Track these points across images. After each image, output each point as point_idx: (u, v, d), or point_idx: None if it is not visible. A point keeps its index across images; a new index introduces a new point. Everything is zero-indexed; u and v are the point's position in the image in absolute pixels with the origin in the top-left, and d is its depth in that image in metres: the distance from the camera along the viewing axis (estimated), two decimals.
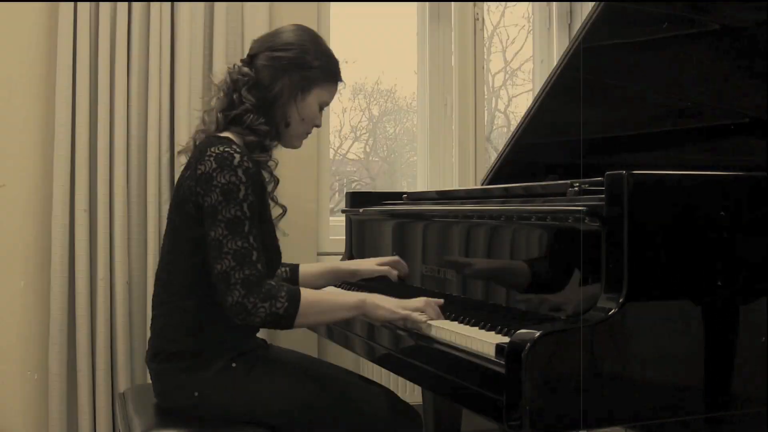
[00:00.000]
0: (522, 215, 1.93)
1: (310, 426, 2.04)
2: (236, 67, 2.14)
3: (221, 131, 2.11)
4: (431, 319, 1.96)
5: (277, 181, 2.16)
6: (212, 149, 1.96)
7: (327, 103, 2.21)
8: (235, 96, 2.10)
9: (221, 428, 2.00)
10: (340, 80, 2.22)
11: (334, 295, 2.15)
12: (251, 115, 2.08)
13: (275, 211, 2.16)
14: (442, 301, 2.04)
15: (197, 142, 2.12)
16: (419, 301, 2.00)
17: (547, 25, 3.91)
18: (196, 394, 2.00)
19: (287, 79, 2.10)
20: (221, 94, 2.14)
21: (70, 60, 2.83)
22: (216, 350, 2.02)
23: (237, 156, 1.94)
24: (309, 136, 2.26)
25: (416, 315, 1.97)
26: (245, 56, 2.18)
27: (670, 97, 2.25)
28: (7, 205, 2.86)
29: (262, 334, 2.26)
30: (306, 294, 1.95)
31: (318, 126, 2.24)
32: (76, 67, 2.84)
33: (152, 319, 2.14)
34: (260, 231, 1.98)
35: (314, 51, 2.14)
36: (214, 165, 1.93)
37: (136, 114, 2.92)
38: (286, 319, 1.91)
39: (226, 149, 1.96)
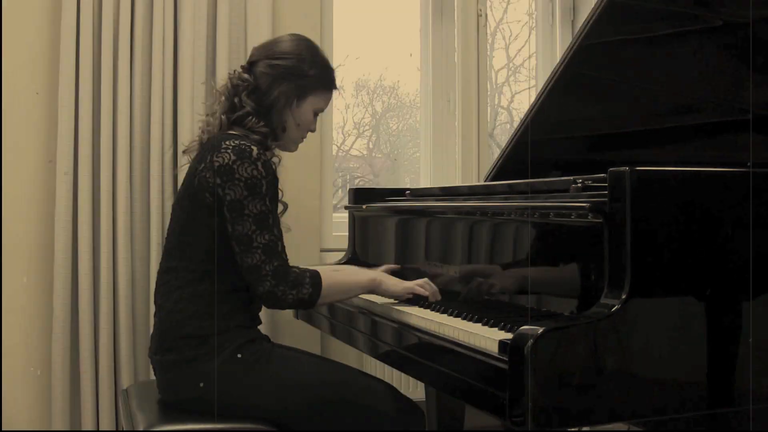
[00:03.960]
0: (525, 211, 1.93)
1: (313, 421, 2.05)
2: (236, 72, 2.24)
3: (225, 131, 2.18)
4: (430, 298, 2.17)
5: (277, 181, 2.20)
6: (227, 142, 2.05)
7: (322, 110, 2.32)
8: (236, 100, 2.20)
9: (224, 423, 2.01)
10: (335, 88, 2.33)
11: (347, 274, 2.31)
12: (252, 118, 2.18)
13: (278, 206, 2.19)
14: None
15: (203, 141, 2.20)
16: (420, 282, 2.20)
17: (550, 22, 3.91)
18: (201, 385, 2.02)
19: (284, 86, 2.20)
20: (222, 98, 2.23)
21: (73, 57, 2.83)
22: (221, 338, 2.04)
23: (254, 149, 2.04)
24: (309, 134, 2.35)
25: (418, 289, 2.17)
26: (246, 62, 2.28)
27: (673, 94, 2.24)
28: (10, 202, 2.86)
29: (264, 331, 2.27)
30: (326, 277, 2.09)
31: (312, 131, 2.33)
32: (79, 63, 2.83)
33: (157, 310, 2.16)
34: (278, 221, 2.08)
35: (310, 60, 2.24)
36: (233, 157, 2.01)
37: (139, 110, 2.92)
38: (310, 302, 2.07)
39: (243, 142, 2.05)
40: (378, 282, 2.20)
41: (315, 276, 2.07)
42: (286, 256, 2.05)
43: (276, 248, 2.02)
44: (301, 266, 2.10)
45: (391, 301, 2.24)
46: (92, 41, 2.85)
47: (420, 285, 2.19)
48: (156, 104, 2.92)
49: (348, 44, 3.63)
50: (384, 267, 2.48)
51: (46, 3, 2.88)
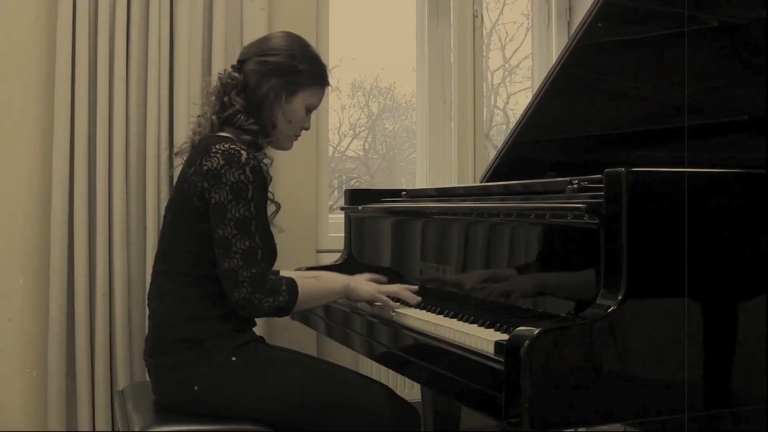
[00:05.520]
0: (521, 212, 1.93)
1: (308, 422, 2.05)
2: (226, 72, 2.24)
3: (216, 132, 2.18)
4: (402, 306, 2.16)
5: (270, 179, 2.20)
6: (217, 146, 2.04)
7: (314, 107, 2.29)
8: (225, 99, 2.20)
9: (220, 424, 2.01)
10: (327, 84, 2.32)
11: (323, 281, 2.27)
12: (241, 116, 2.17)
13: (270, 208, 2.21)
14: (416, 287, 2.21)
15: (195, 144, 2.19)
16: (395, 287, 2.21)
17: (546, 22, 3.91)
18: (196, 388, 2.02)
19: (273, 81, 2.19)
20: (213, 98, 2.23)
21: (69, 57, 2.82)
22: (215, 341, 2.04)
23: (243, 153, 2.02)
24: (303, 135, 2.34)
25: (391, 302, 2.16)
26: (236, 61, 2.27)
27: (669, 95, 2.25)
28: (6, 203, 2.86)
29: (260, 332, 2.27)
30: (302, 285, 2.08)
31: (306, 129, 2.32)
32: (75, 64, 2.83)
33: (151, 313, 2.16)
34: (263, 228, 2.06)
35: (301, 56, 2.23)
36: (221, 161, 2.00)
37: (135, 111, 2.92)
38: (286, 310, 2.06)
39: (232, 146, 2.03)
40: (352, 288, 2.21)
41: (291, 284, 2.06)
42: (265, 264, 2.05)
43: (255, 255, 2.00)
44: (292, 270, 2.10)
45: None
46: (88, 42, 2.85)
47: (391, 294, 2.18)
48: (152, 105, 2.92)
49: (344, 45, 3.63)
50: (367, 276, 2.37)
51: (42, 3, 2.88)
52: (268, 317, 2.10)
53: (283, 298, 2.03)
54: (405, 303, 2.18)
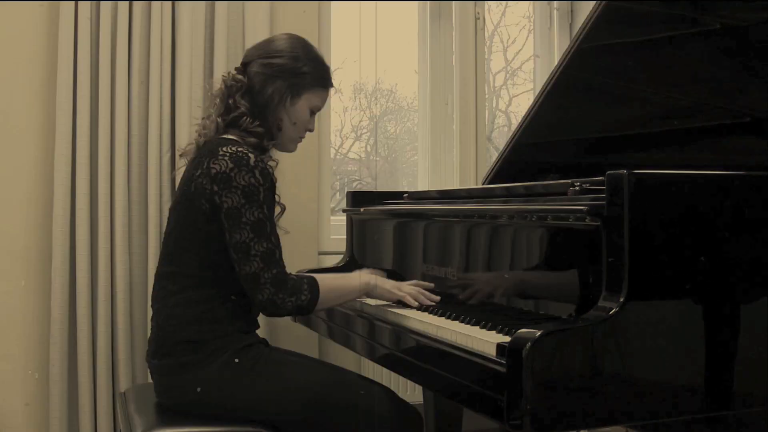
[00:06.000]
0: (523, 215, 1.93)
1: (310, 424, 2.05)
2: (230, 74, 2.24)
3: (221, 134, 2.18)
4: (420, 306, 2.17)
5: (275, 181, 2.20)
6: (224, 149, 2.04)
7: (318, 108, 2.30)
8: (230, 101, 2.20)
9: (222, 426, 2.01)
10: (331, 86, 2.32)
11: (343, 279, 2.31)
12: (246, 119, 2.18)
13: (275, 210, 2.19)
14: (432, 285, 2.23)
15: (200, 145, 2.19)
16: (412, 288, 2.21)
17: (548, 25, 3.91)
18: (198, 390, 2.02)
19: (278, 83, 2.19)
20: (218, 100, 2.23)
21: (71, 59, 2.82)
22: (219, 343, 2.05)
23: (252, 156, 2.03)
24: (306, 138, 2.35)
25: (412, 301, 2.17)
26: (240, 64, 2.27)
27: (671, 97, 2.25)
28: (8, 205, 2.86)
29: (262, 334, 2.26)
30: (322, 283, 2.10)
31: (311, 130, 2.32)
32: (77, 66, 2.84)
33: (154, 314, 2.16)
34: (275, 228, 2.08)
35: (304, 58, 2.23)
36: (230, 165, 2.01)
37: (137, 113, 2.92)
38: (308, 308, 2.08)
39: (240, 149, 2.04)
40: (372, 286, 2.22)
41: (312, 282, 2.07)
42: (283, 263, 2.05)
43: (274, 256, 2.02)
44: (295, 272, 2.11)
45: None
46: (90, 44, 2.85)
47: (412, 296, 2.19)
48: (154, 107, 2.92)
49: (346, 48, 3.63)
50: (367, 271, 2.46)
51: (44, 7, 2.88)
52: (289, 315, 2.13)
53: (305, 297, 2.05)
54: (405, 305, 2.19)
